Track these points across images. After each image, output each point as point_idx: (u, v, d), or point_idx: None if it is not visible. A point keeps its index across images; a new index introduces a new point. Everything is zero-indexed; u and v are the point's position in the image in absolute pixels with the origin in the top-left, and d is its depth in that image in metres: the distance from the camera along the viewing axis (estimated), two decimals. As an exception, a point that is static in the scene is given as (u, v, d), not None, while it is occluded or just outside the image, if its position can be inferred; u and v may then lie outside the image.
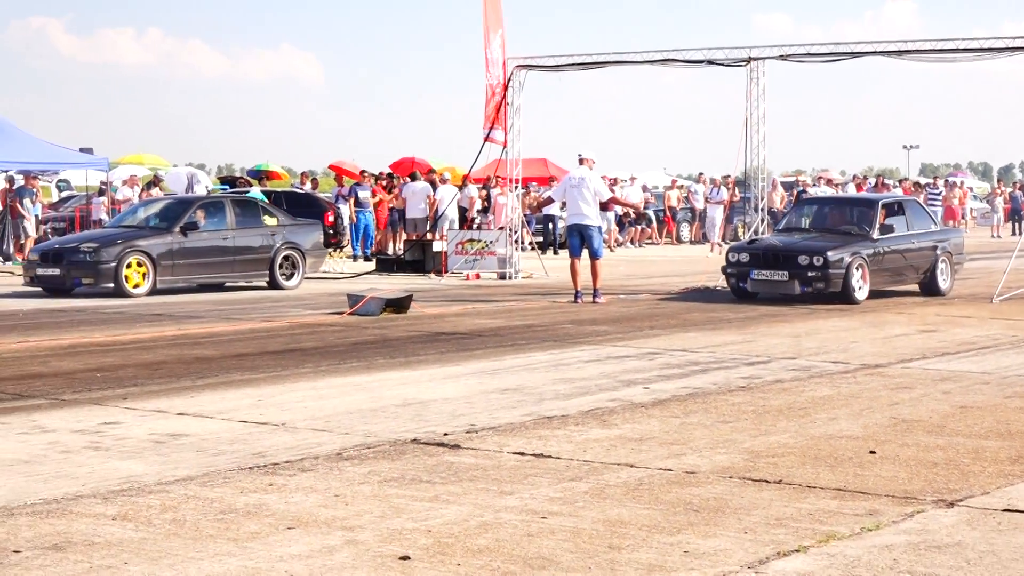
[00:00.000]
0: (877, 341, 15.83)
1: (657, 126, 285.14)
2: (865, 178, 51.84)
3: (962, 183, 59.02)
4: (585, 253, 21.52)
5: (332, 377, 12.69)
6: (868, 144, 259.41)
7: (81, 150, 37.48)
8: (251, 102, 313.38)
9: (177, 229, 23.89)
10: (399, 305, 19.38)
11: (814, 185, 43.34)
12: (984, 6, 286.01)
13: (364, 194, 34.38)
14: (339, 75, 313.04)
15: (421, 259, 29.90)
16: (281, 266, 25.21)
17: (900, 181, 53.09)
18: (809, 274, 20.67)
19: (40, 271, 23.24)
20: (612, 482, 8.01)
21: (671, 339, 16.05)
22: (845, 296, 20.68)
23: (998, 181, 63.93)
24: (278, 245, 25.19)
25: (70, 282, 22.98)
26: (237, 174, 61.10)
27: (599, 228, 21.81)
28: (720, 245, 37.17)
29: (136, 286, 22.94)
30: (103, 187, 37.10)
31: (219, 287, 25.03)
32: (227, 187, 43.07)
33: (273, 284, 25.05)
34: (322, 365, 13.58)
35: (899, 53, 24.47)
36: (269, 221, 25.61)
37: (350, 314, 18.93)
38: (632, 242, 43.26)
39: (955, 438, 9.48)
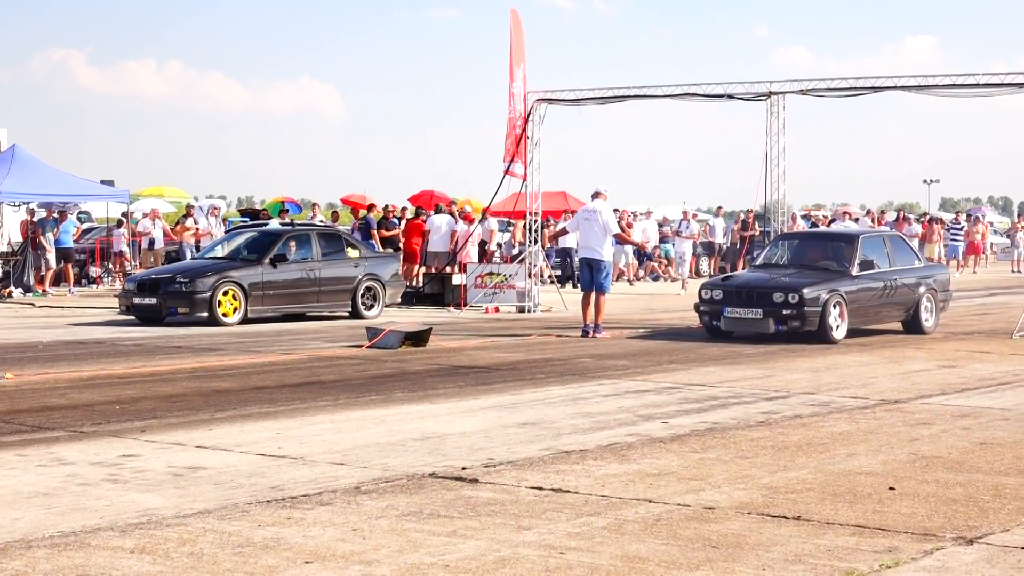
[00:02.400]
0: (896, 376, 15.80)
1: (677, 160, 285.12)
2: (883, 212, 51.76)
3: (983, 217, 58.90)
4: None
5: (350, 410, 12.70)
6: (888, 178, 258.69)
7: (102, 182, 37.69)
8: (271, 134, 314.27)
9: (267, 260, 24.60)
10: (418, 338, 19.40)
11: (836, 220, 43.23)
12: (1004, 40, 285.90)
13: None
14: (359, 108, 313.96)
15: (440, 292, 29.93)
16: (363, 296, 25.76)
17: (920, 216, 53.03)
18: (784, 312, 19.94)
19: (136, 300, 24.04)
20: (630, 517, 8.00)
21: (690, 373, 16.04)
22: (822, 335, 19.94)
23: (1019, 216, 63.76)
24: (360, 276, 25.78)
25: (166, 311, 23.75)
26: (258, 206, 61.22)
27: (608, 262, 21.81)
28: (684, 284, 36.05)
29: (225, 315, 23.63)
30: (123, 219, 37.25)
31: (302, 317, 25.33)
32: (247, 219, 43.24)
33: (355, 314, 25.47)
34: (340, 398, 13.60)
35: (919, 87, 24.48)
36: (352, 253, 26.33)
37: (369, 347, 18.96)
38: (648, 276, 43.16)
39: (975, 475, 9.46)
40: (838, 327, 20.26)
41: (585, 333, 21.31)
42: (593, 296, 21.50)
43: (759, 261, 22.72)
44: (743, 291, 20.58)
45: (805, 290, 20.02)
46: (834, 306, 20.20)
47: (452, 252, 32.28)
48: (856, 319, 20.78)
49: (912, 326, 21.86)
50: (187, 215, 37.76)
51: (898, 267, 21.89)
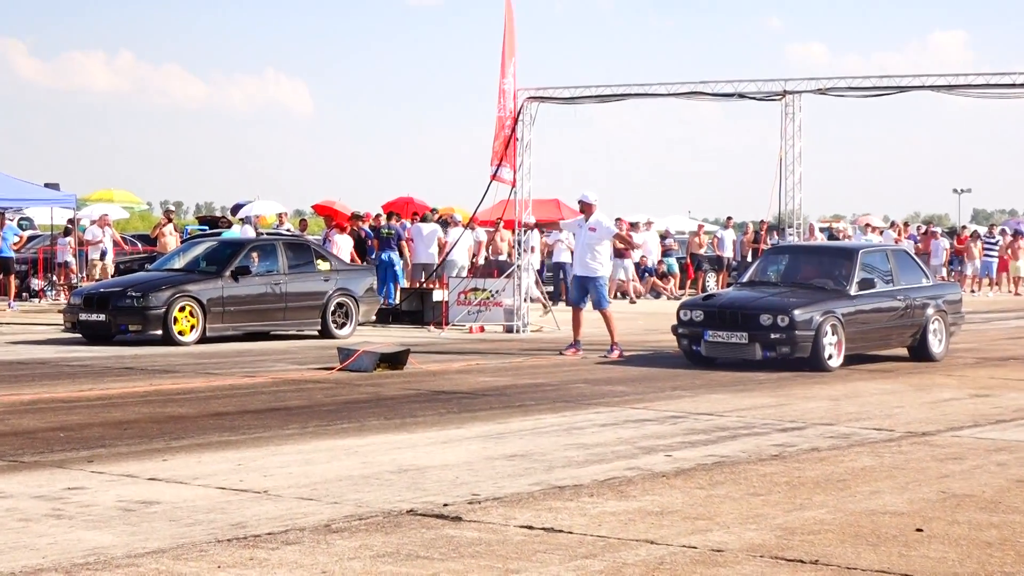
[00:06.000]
0: (924, 406, 15.82)
1: (682, 166, 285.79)
2: (906, 224, 51.86)
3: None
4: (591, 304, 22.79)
5: (320, 440, 12.69)
6: (914, 187, 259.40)
7: (46, 185, 37.63)
8: (232, 134, 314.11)
9: (228, 273, 24.52)
10: (395, 360, 19.39)
11: (857, 234, 43.30)
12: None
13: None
14: (329, 105, 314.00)
15: (420, 310, 29.91)
16: (334, 313, 25.81)
17: (958, 229, 53.04)
18: (772, 336, 19.56)
19: (83, 316, 23.91)
20: (630, 560, 8.00)
21: (696, 401, 16.04)
22: (815, 362, 19.59)
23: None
24: (331, 292, 25.79)
25: (116, 328, 23.66)
26: (218, 213, 61.18)
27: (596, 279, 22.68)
28: (546, 307, 34.57)
29: (181, 332, 23.54)
30: (69, 226, 37.18)
31: (265, 336, 25.33)
32: (206, 227, 43.23)
33: (325, 333, 25.50)
34: (309, 426, 13.59)
35: (949, 87, 24.54)
36: (322, 266, 26.28)
37: (340, 369, 18.94)
38: (649, 293, 43.15)
39: (1011, 515, 9.46)
40: (834, 354, 19.93)
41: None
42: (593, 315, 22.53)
43: (746, 278, 22.50)
44: (726, 312, 20.24)
45: (796, 311, 19.66)
46: (829, 330, 19.84)
47: (439, 263, 32.23)
48: (855, 344, 20.46)
49: (919, 352, 21.55)
50: (168, 221, 37.78)
51: (903, 285, 21.59)
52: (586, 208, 22.76)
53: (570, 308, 23.46)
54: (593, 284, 22.44)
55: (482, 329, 27.82)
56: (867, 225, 44.29)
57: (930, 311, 21.63)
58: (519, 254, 28.47)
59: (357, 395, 16.38)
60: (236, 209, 48.95)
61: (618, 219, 40.62)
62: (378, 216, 36.05)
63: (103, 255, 36.52)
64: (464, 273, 31.78)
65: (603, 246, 22.75)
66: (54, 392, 16.35)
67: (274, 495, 9.91)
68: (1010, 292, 48.52)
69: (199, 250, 26.36)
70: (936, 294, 22.28)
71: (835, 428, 13.83)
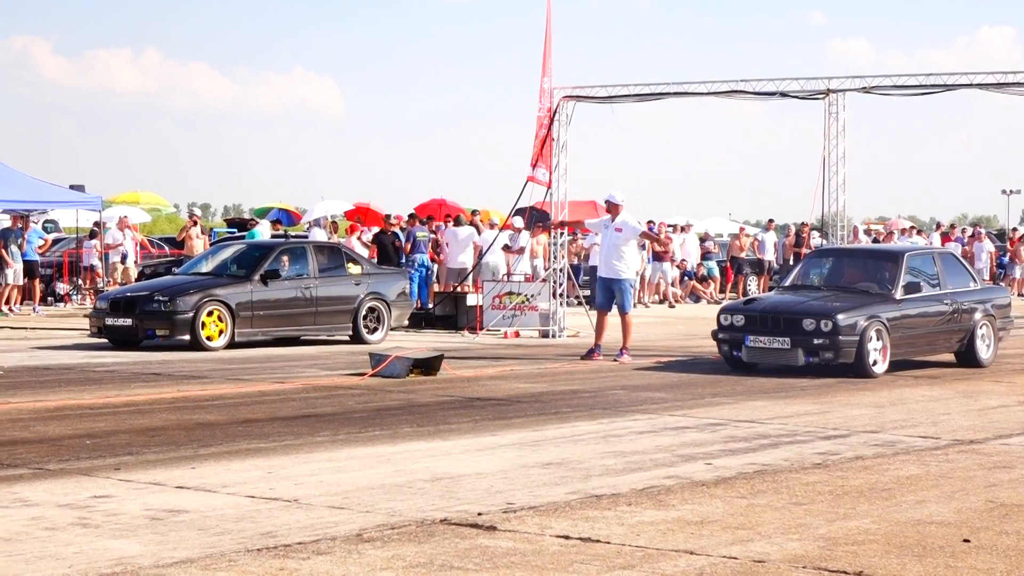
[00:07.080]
0: (972, 413, 15.76)
1: (722, 166, 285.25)
2: (953, 227, 51.63)
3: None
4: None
5: (351, 447, 12.71)
6: (962, 188, 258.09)
7: (71, 187, 37.72)
8: (261, 134, 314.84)
9: (257, 277, 24.59)
10: (428, 366, 19.41)
11: (901, 238, 43.19)
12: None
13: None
14: (360, 104, 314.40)
15: (453, 314, 29.91)
16: (365, 318, 25.83)
17: (1007, 231, 52.75)
18: (815, 341, 19.49)
19: (109, 321, 24.02)
20: (669, 571, 7.99)
21: (737, 408, 16.02)
22: (859, 368, 19.51)
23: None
24: (362, 296, 25.81)
25: (143, 333, 23.71)
26: (246, 215, 61.32)
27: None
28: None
29: (209, 337, 23.61)
30: (95, 229, 37.29)
31: (295, 341, 25.39)
32: (235, 230, 43.35)
33: (357, 338, 25.55)
34: (340, 433, 13.61)
35: (998, 86, 24.46)
36: (353, 269, 26.33)
37: (372, 375, 18.97)
38: (688, 297, 43.11)
39: (1062, 525, 9.43)
40: (878, 360, 19.81)
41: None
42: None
43: (788, 282, 22.46)
44: (768, 317, 20.21)
45: (840, 316, 19.57)
46: (874, 335, 19.72)
47: (474, 266, 32.23)
48: (900, 350, 20.34)
49: (966, 358, 21.45)
50: (193, 223, 37.90)
51: (950, 289, 21.44)
52: (612, 208, 22.86)
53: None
54: (619, 286, 22.57)
55: (517, 334, 27.82)
56: (912, 227, 44.17)
57: (978, 316, 21.51)
58: (554, 256, 28.44)
59: (389, 402, 16.41)
60: (263, 215, 49.12)
61: (649, 221, 40.63)
62: (411, 218, 36.00)
63: (124, 258, 36.61)
64: (498, 276, 31.73)
65: (629, 247, 22.81)
66: (80, 398, 16.42)
67: (305, 504, 9.94)
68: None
69: (227, 253, 26.40)
70: (984, 298, 22.14)
71: (880, 436, 13.79)
